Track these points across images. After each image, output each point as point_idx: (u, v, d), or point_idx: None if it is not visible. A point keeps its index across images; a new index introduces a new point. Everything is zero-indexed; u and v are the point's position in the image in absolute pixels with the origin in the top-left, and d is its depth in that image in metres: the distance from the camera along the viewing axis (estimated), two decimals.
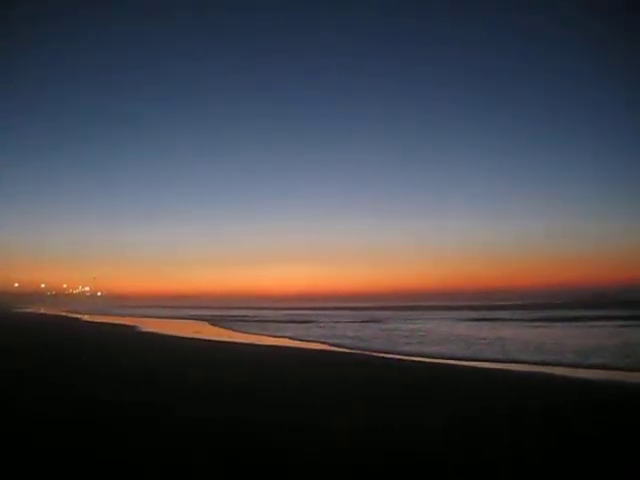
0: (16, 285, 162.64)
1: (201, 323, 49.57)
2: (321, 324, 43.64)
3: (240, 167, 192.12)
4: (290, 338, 28.24)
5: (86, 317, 60.41)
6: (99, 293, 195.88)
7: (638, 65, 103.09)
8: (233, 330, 37.02)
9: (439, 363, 16.43)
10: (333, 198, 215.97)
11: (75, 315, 66.65)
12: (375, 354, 19.31)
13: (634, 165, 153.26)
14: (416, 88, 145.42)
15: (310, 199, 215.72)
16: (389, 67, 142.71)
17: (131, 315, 69.90)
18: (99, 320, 52.78)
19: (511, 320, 43.44)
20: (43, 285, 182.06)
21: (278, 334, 31.74)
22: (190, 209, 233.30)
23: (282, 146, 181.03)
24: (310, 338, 28.03)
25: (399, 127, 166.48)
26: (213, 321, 52.05)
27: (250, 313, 74.92)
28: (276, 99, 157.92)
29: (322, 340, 26.57)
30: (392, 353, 19.82)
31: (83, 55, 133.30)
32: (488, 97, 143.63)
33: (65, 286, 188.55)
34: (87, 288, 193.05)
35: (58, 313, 74.91)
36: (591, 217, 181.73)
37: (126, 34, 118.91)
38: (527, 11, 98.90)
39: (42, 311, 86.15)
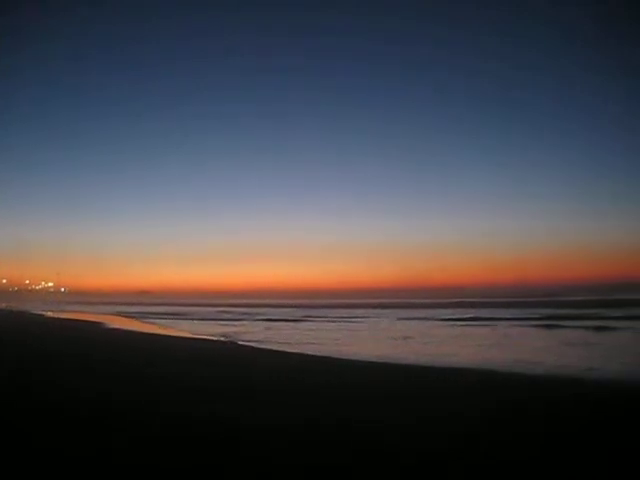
0: None
1: (127, 319, 50.78)
2: (239, 322, 44.31)
3: (205, 168, 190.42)
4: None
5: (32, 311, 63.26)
6: (63, 289, 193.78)
7: (620, 63, 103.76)
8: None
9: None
10: (299, 196, 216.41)
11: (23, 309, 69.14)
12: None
13: (600, 165, 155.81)
14: (387, 88, 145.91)
15: (276, 198, 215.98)
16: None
17: (85, 312, 70.56)
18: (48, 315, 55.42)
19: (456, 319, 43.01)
20: (4, 281, 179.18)
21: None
22: (156, 207, 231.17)
23: (240, 147, 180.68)
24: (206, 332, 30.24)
25: (362, 127, 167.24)
26: (139, 317, 53.33)
27: (187, 310, 75.02)
28: (253, 99, 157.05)
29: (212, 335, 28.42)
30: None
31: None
32: (461, 98, 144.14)
33: (28, 282, 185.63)
34: (50, 284, 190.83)
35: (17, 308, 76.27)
36: (558, 216, 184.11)
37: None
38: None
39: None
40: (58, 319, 45.70)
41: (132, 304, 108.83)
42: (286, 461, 5.79)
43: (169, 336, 27.62)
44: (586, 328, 28.26)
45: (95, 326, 35.04)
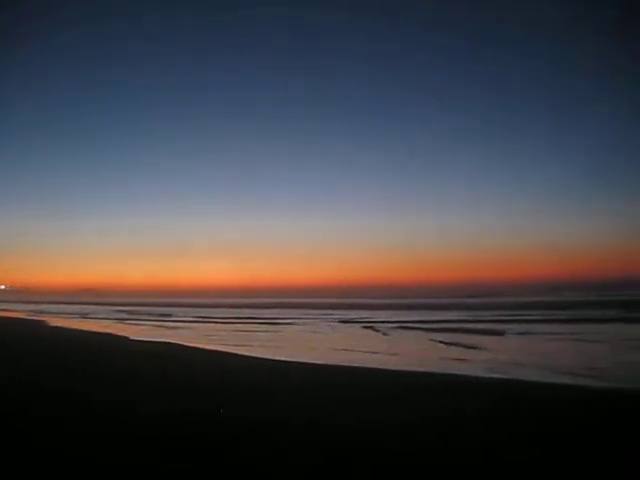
0: None
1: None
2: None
3: (159, 162, 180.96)
4: None
5: None
6: (2, 286, 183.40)
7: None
8: None
9: None
10: (243, 195, 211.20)
11: None
12: None
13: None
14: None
15: (219, 198, 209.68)
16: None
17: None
18: None
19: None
20: None
21: None
22: (103, 201, 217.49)
23: (196, 144, 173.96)
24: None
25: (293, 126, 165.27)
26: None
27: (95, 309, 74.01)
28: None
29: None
30: None
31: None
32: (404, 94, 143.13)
33: None
34: None
35: None
36: (517, 216, 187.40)
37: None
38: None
39: None
40: None
41: (58, 303, 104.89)
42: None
43: None
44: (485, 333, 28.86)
45: None
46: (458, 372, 14.15)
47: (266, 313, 57.41)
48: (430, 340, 25.14)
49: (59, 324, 38.60)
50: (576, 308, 48.19)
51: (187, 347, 21.52)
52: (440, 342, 23.89)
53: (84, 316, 54.47)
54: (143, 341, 24.47)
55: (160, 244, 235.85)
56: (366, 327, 35.78)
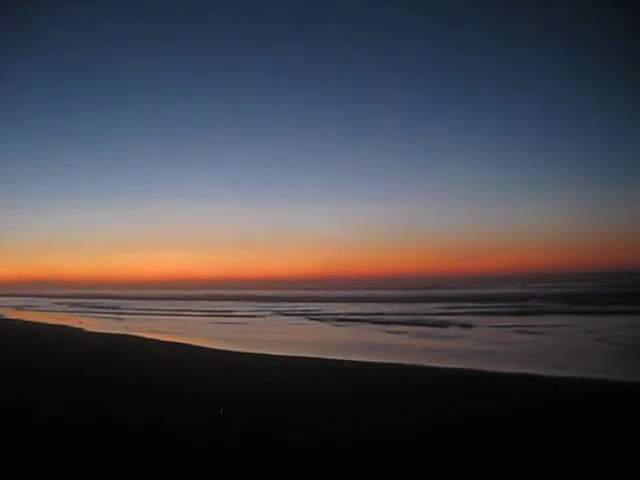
0: None
1: None
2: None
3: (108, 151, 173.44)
4: None
5: None
6: None
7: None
8: None
9: None
10: (201, 183, 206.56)
11: None
12: None
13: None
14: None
15: (176, 184, 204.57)
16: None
17: None
18: None
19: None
20: None
21: None
22: (57, 192, 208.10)
23: (143, 130, 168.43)
24: None
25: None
26: None
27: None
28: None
29: None
30: None
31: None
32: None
33: None
34: None
35: None
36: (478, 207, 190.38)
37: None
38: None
39: None
40: None
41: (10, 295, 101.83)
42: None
43: None
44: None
45: None
46: (424, 364, 14.57)
47: (211, 306, 56.38)
48: (384, 332, 25.75)
49: (16, 317, 38.10)
50: (529, 300, 49.51)
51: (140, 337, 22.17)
52: (392, 332, 24.86)
53: (43, 309, 53.64)
54: (104, 333, 24.64)
55: (117, 236, 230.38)
56: (318, 319, 35.89)
